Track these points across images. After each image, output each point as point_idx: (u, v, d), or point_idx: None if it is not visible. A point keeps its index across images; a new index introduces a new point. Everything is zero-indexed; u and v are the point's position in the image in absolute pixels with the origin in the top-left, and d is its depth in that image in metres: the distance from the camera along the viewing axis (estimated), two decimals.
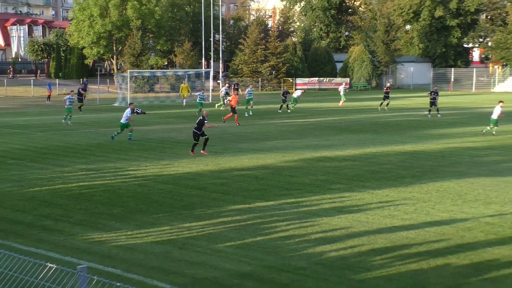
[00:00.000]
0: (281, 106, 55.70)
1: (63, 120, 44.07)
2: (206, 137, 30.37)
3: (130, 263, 14.29)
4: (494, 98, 72.66)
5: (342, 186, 22.93)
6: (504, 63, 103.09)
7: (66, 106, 45.12)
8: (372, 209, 19.40)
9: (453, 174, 25.42)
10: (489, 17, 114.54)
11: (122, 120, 35.59)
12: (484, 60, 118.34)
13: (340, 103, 62.42)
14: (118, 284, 7.95)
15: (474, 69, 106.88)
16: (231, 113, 44.74)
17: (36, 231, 16.90)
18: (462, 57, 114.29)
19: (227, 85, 65.94)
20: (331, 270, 13.84)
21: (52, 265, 8.54)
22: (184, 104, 63.92)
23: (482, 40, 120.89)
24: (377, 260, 14.52)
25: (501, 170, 26.55)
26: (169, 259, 14.64)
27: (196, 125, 30.21)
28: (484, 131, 38.71)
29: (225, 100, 57.84)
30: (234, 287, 12.90)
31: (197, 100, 53.90)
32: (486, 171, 26.36)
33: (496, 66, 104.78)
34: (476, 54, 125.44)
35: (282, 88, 69.30)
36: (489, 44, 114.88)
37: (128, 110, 36.33)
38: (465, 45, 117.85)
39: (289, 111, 55.12)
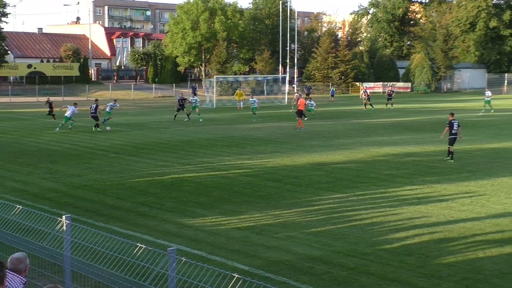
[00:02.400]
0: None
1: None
2: None
3: (214, 246, 14.25)
4: None
5: (404, 180, 22.51)
6: None
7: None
8: (431, 201, 18.96)
9: (506, 171, 24.68)
10: None
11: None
12: None
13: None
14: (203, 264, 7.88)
15: None
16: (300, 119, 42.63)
17: (134, 216, 17.04)
18: None
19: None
20: (393, 255, 13.54)
21: (145, 247, 8.57)
22: (240, 106, 63.50)
23: None
24: (436, 247, 14.14)
25: None
26: (248, 243, 14.56)
27: None
28: None
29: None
30: (305, 270, 12.72)
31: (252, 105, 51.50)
32: None
33: None
34: None
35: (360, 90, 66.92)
36: None
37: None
38: None
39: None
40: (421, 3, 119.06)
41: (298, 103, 44.40)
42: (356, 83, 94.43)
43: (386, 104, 61.90)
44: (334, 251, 13.94)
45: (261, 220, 16.75)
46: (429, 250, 13.92)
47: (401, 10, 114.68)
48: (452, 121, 27.81)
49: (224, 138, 36.18)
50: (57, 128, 38.98)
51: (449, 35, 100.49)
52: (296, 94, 61.59)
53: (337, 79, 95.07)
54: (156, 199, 19.36)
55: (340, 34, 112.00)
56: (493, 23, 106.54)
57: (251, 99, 52.33)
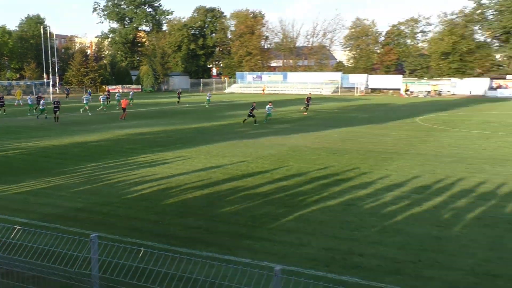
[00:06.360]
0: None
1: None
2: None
3: None
4: (228, 97, 74.40)
5: (139, 151, 22.22)
6: (230, 76, 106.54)
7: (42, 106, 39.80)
8: (157, 164, 19.08)
9: (204, 142, 25.61)
10: (221, 49, 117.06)
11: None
12: (219, 74, 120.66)
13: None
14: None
15: (214, 79, 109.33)
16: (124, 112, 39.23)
17: None
18: (206, 72, 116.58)
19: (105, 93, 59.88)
20: (134, 202, 13.46)
21: None
22: (17, 104, 57.67)
23: (217, 62, 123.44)
24: (162, 194, 14.26)
25: (240, 137, 27.12)
26: (26, 203, 13.40)
27: None
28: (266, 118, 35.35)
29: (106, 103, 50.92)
30: (71, 218, 12.13)
31: (30, 102, 45.67)
32: (234, 137, 26.68)
33: (225, 78, 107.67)
34: (214, 71, 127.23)
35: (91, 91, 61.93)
36: (221, 65, 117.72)
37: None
38: (208, 66, 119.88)
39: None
40: (145, 31, 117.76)
41: (121, 102, 40.06)
42: (103, 86, 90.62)
43: (303, 108, 46.75)
44: (92, 202, 13.47)
45: (37, 185, 15.52)
46: (157, 196, 14.09)
47: (131, 35, 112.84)
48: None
49: (3, 127, 32.76)
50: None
51: (164, 53, 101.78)
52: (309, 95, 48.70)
53: (89, 83, 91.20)
54: None
55: (89, 51, 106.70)
56: (192, 46, 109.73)
57: (268, 106, 35.96)
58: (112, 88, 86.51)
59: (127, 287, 7.09)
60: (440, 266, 9.15)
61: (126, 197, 13.98)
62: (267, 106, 35.83)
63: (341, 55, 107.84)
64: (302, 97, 73.49)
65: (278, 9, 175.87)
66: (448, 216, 12.15)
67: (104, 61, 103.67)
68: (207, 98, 56.60)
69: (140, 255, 7.87)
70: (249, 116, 34.24)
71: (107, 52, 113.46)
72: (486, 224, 11.52)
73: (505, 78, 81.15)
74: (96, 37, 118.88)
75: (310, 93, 52.95)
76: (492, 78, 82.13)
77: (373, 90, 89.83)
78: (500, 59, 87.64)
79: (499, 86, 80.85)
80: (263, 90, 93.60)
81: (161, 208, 12.86)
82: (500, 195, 14.14)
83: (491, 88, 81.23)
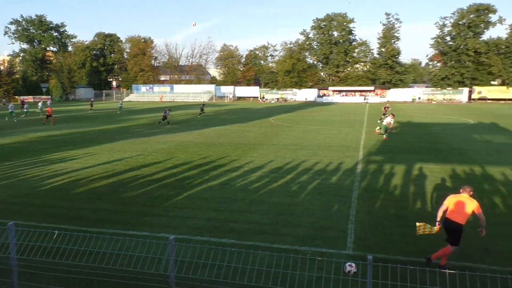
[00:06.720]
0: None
1: None
2: None
3: None
4: (127, 104, 70.67)
5: (52, 150, 20.03)
6: (127, 88, 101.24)
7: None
8: (67, 160, 17.28)
9: (108, 140, 23.85)
10: (119, 66, 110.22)
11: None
12: (118, 86, 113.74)
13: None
14: None
15: (114, 90, 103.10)
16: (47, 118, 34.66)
17: None
18: (108, 85, 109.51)
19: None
20: (48, 193, 12.07)
21: None
22: None
23: (116, 77, 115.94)
24: (71, 184, 13.04)
25: (138, 136, 25.63)
26: None
27: None
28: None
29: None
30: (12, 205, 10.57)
31: None
32: (132, 136, 24.94)
33: (124, 89, 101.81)
34: (114, 84, 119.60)
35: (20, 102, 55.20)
36: (120, 79, 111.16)
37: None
38: (109, 79, 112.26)
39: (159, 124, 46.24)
40: (52, 51, 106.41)
41: (47, 110, 35.31)
42: (16, 96, 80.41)
43: (199, 114, 42.61)
44: (9, 195, 11.86)
45: None
46: (68, 186, 12.85)
47: (40, 55, 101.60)
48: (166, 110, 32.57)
49: None
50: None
51: (71, 69, 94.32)
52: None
53: (2, 94, 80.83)
54: None
55: (2, 67, 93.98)
56: (94, 64, 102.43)
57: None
58: (25, 98, 77.67)
59: (42, 265, 6.36)
60: (291, 225, 9.55)
61: (40, 189, 12.56)
62: (166, 111, 34.92)
63: (214, 71, 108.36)
64: (187, 104, 72.36)
65: (164, 35, 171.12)
66: (295, 188, 12.76)
67: (17, 76, 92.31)
68: (120, 105, 54.00)
69: (54, 237, 7.13)
70: (163, 119, 33.08)
71: (18, 68, 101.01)
72: (320, 192, 12.31)
73: (327, 89, 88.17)
74: (8, 55, 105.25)
75: (204, 101, 52.75)
76: (319, 89, 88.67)
77: (239, 98, 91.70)
78: (323, 76, 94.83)
79: (324, 95, 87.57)
80: (160, 99, 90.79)
81: (72, 196, 11.77)
82: (329, 171, 15.22)
83: (319, 96, 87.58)
